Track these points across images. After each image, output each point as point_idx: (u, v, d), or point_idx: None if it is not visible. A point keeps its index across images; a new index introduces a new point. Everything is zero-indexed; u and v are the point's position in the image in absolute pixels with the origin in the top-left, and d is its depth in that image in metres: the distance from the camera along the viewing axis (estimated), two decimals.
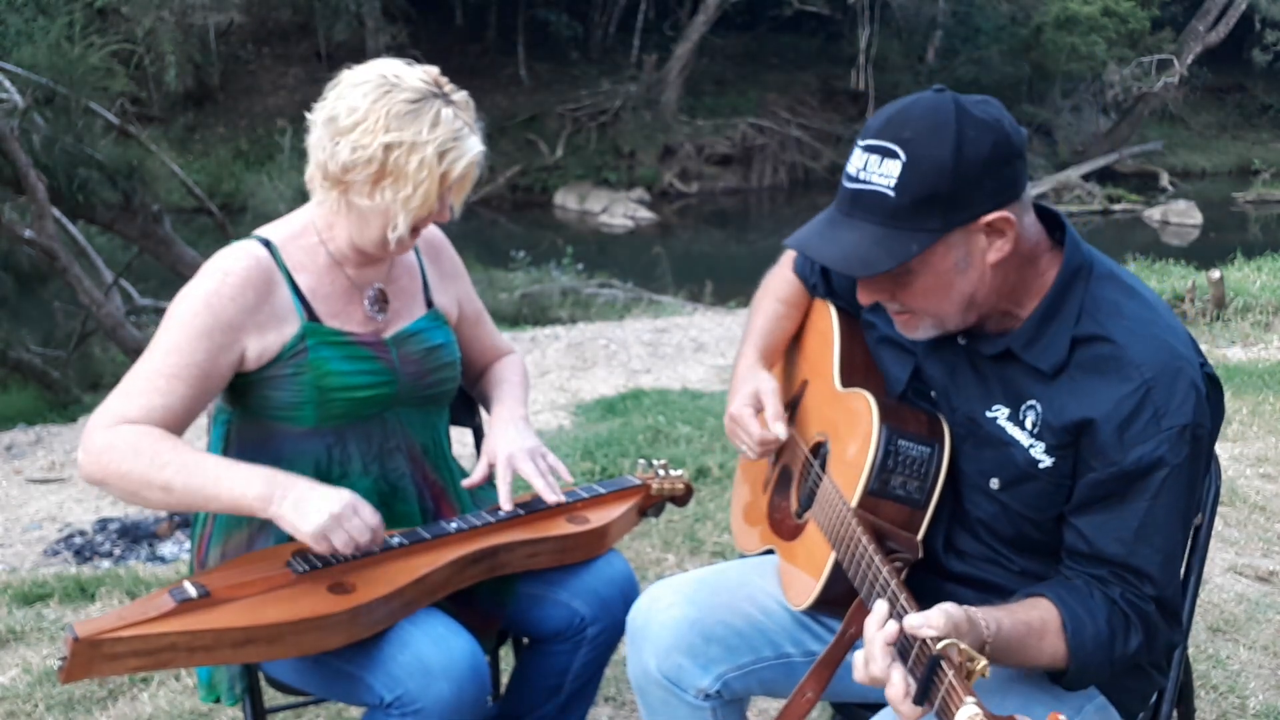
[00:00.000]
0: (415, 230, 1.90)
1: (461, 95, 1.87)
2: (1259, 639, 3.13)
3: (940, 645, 1.29)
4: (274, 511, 1.70)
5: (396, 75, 1.82)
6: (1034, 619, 1.49)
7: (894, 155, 1.47)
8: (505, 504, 1.98)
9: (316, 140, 1.84)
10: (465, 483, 2.03)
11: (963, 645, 1.29)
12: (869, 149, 1.50)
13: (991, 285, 1.56)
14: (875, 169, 1.49)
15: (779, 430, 1.86)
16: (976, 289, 1.55)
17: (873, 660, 1.37)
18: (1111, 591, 1.52)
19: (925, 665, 1.30)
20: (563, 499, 2.03)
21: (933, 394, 1.71)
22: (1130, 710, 1.69)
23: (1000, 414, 1.61)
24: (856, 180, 1.51)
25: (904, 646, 1.36)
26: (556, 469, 2.05)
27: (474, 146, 1.84)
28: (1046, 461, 1.56)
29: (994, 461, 1.61)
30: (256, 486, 1.71)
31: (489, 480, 2.04)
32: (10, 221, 7.49)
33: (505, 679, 2.18)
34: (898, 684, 1.33)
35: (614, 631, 2.01)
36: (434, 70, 1.87)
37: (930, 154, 1.46)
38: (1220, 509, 3.71)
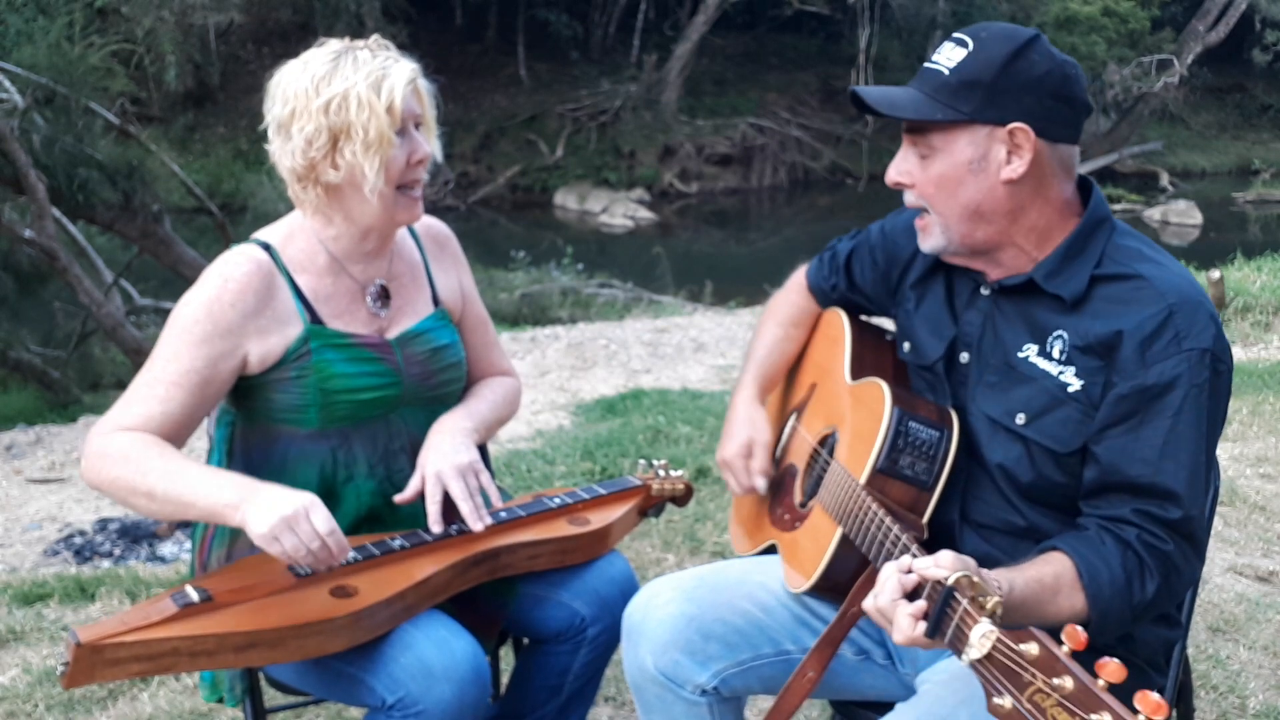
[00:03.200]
0: (407, 188, 1.87)
1: (374, 39, 1.89)
2: (1259, 639, 3.13)
3: (953, 578, 1.30)
4: (238, 519, 1.69)
5: (310, 55, 1.85)
6: (1047, 574, 1.49)
7: (964, 45, 1.64)
8: (435, 525, 1.89)
9: (276, 151, 1.85)
10: (397, 498, 1.93)
11: (975, 579, 1.30)
12: (952, 39, 1.67)
13: (1002, 206, 1.63)
14: (946, 53, 1.65)
15: (760, 485, 1.95)
16: (984, 200, 1.63)
17: (883, 593, 1.39)
18: (1127, 534, 1.53)
19: (938, 598, 1.31)
20: (489, 522, 1.92)
21: (964, 357, 1.74)
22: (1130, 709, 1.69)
23: (1030, 352, 1.66)
24: (929, 61, 1.67)
25: (916, 590, 1.37)
26: (487, 489, 1.96)
27: (405, 68, 1.84)
28: (1075, 385, 1.60)
29: (1022, 398, 1.65)
30: (228, 494, 1.70)
31: (420, 497, 1.94)
32: (10, 221, 7.49)
33: (505, 679, 2.19)
34: (904, 615, 1.36)
35: (614, 632, 2.01)
36: (347, 39, 1.88)
37: (990, 50, 1.62)
38: (1220, 509, 3.72)
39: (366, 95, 1.79)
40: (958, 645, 1.26)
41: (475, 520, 1.91)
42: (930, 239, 1.71)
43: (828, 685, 1.75)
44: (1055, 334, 1.63)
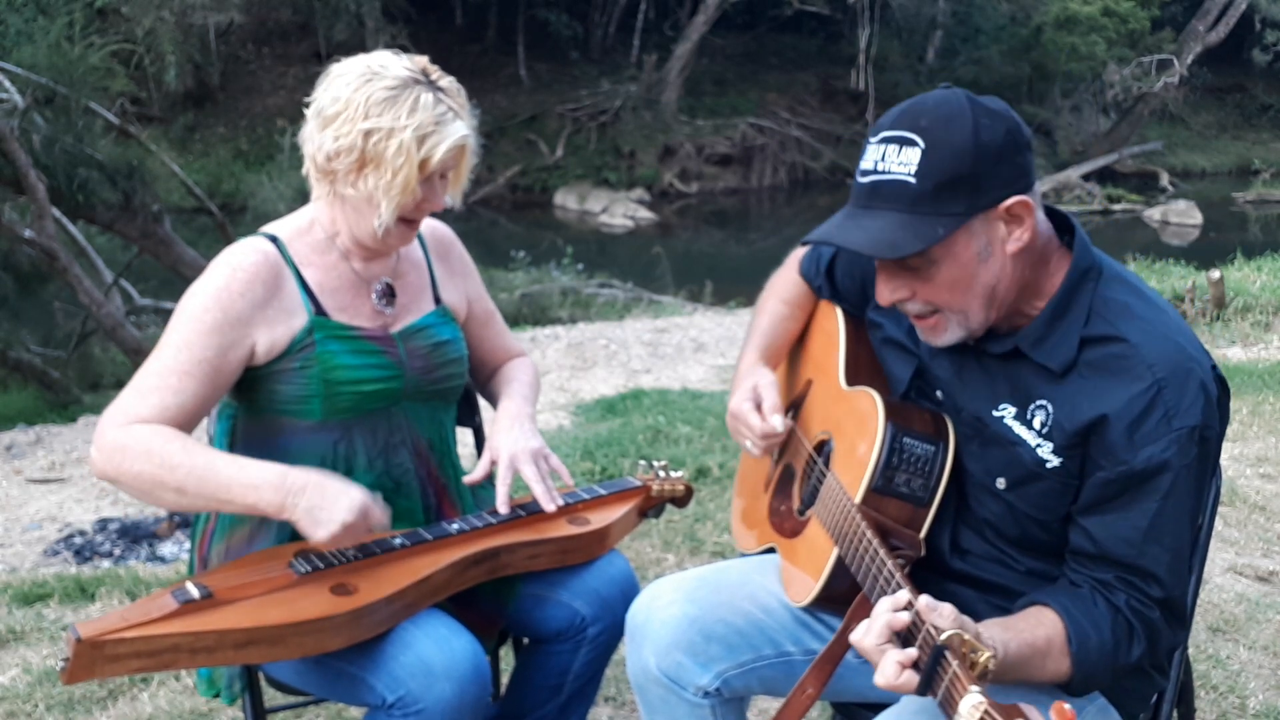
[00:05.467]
0: (410, 222, 1.90)
1: (448, 81, 1.87)
2: (1259, 639, 3.13)
3: (944, 635, 1.30)
4: (287, 517, 1.73)
5: (381, 65, 1.84)
6: (1039, 638, 1.49)
7: (912, 143, 1.49)
8: (502, 506, 1.97)
9: (307, 133, 1.87)
10: (467, 479, 2.03)
11: (966, 636, 1.30)
12: (884, 140, 1.51)
13: (1012, 277, 1.56)
14: (894, 159, 1.50)
15: (776, 423, 1.86)
16: (998, 280, 1.55)
17: (871, 633, 1.37)
18: (1116, 599, 1.52)
19: (930, 655, 1.30)
20: (561, 503, 2.02)
21: (938, 394, 1.71)
22: (1131, 711, 1.69)
23: (1007, 413, 1.61)
24: (874, 173, 1.52)
25: (908, 635, 1.36)
26: (558, 471, 2.03)
27: (456, 131, 1.83)
28: (1054, 461, 1.56)
29: (1001, 461, 1.61)
30: (268, 493, 1.71)
31: (490, 479, 2.03)
32: (10, 221, 7.49)
33: (506, 679, 2.19)
34: (890, 663, 1.34)
35: (614, 631, 2.01)
36: (422, 60, 1.87)
37: (949, 139, 1.48)
38: (1220, 509, 3.71)
39: (409, 144, 1.79)
40: (947, 710, 1.26)
41: (548, 501, 1.99)
42: (946, 335, 1.60)
43: (829, 687, 1.75)
44: (1039, 403, 1.58)
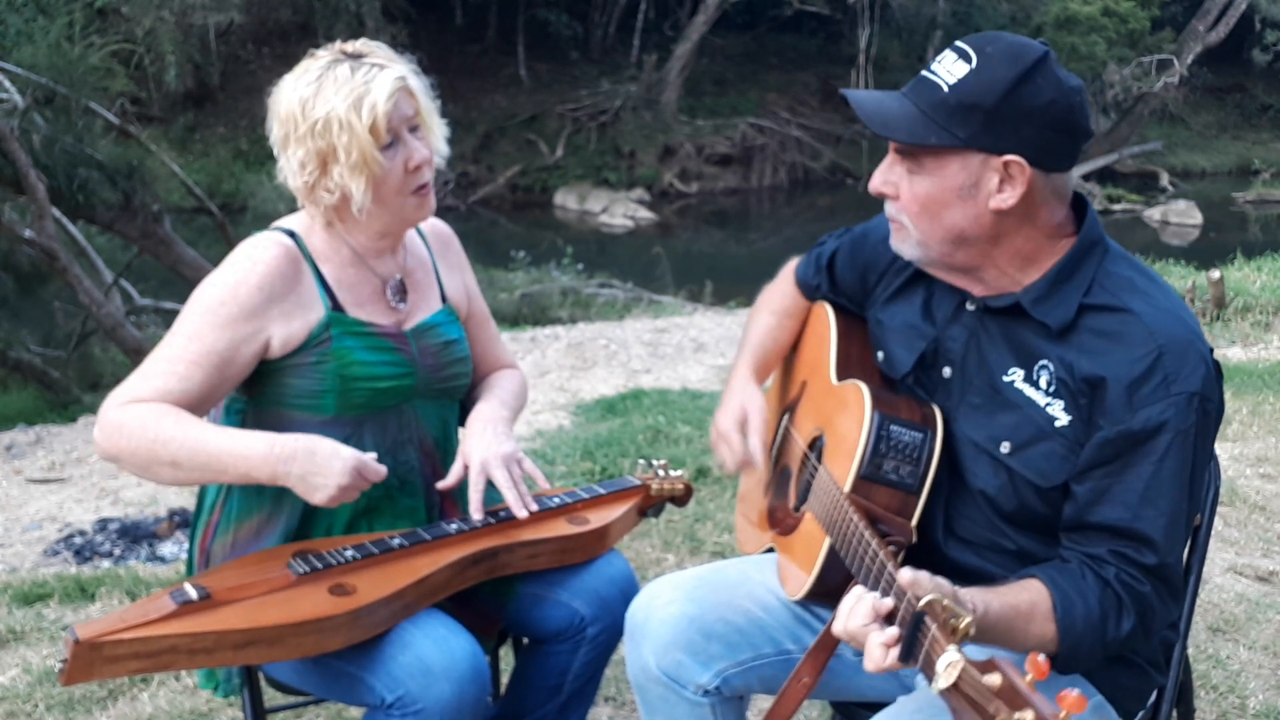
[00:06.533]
0: (418, 190, 1.88)
1: (364, 43, 1.87)
2: (1259, 639, 3.13)
3: (924, 600, 1.30)
4: (282, 485, 1.76)
5: (303, 69, 1.84)
6: (1022, 601, 1.49)
7: (967, 59, 1.56)
8: (476, 512, 1.94)
9: (281, 169, 1.87)
10: (440, 485, 1.98)
11: (945, 601, 1.30)
12: (953, 48, 1.59)
13: (986, 232, 1.59)
14: (947, 65, 1.57)
15: (755, 448, 1.89)
16: (969, 227, 1.59)
17: (856, 614, 1.39)
18: (1106, 572, 1.52)
19: (910, 622, 1.31)
20: (534, 508, 1.97)
21: (946, 371, 1.71)
22: (1128, 709, 1.69)
23: (1016, 376, 1.63)
24: (928, 71, 1.60)
25: (892, 614, 1.37)
26: (532, 475, 2.00)
27: (386, 80, 1.81)
28: (1063, 420, 1.57)
29: (1009, 425, 1.62)
30: (258, 463, 1.74)
31: (463, 483, 2.00)
32: (10, 221, 7.50)
33: (505, 679, 2.19)
34: (875, 645, 1.35)
35: (614, 631, 2.01)
36: (342, 44, 1.87)
37: (993, 71, 1.53)
38: (1220, 509, 3.72)
39: (346, 117, 1.78)
40: (927, 673, 1.26)
41: (519, 507, 1.96)
42: (905, 247, 1.66)
43: (828, 686, 1.75)
44: (1041, 363, 1.60)
